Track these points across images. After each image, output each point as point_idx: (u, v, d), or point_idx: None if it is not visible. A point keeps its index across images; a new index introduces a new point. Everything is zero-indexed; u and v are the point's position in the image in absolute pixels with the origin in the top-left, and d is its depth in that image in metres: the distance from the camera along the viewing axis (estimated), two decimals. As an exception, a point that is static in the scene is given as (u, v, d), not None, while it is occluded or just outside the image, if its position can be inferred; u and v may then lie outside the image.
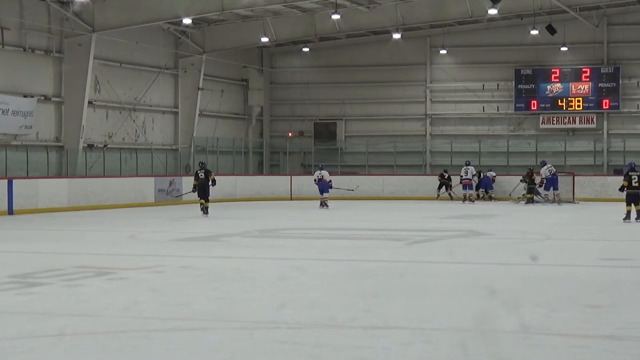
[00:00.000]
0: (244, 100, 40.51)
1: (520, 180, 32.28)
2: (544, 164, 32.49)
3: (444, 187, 34.17)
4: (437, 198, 33.98)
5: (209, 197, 25.07)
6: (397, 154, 38.84)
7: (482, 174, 34.41)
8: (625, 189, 22.30)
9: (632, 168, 22.60)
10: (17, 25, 28.59)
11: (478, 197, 34.04)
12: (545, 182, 31.86)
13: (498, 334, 7.75)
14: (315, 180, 29.83)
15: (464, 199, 32.77)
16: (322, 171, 29.83)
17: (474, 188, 33.47)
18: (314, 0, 31.95)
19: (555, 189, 32.07)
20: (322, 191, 29.43)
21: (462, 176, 32.93)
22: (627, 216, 22.13)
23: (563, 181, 33.02)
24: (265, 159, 41.33)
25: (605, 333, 7.79)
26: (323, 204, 29.15)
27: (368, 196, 34.80)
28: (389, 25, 35.56)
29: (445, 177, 34.25)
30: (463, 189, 32.99)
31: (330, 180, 29.68)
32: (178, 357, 7.02)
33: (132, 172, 32.74)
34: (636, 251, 15.72)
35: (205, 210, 24.72)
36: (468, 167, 33.07)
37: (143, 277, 11.82)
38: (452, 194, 33.83)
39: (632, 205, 22.16)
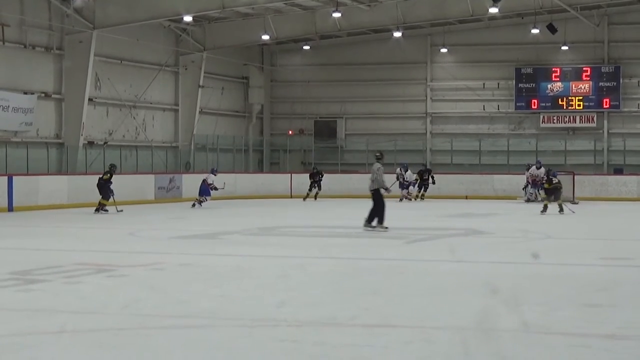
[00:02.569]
0: (245, 98, 40.63)
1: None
2: (540, 164, 32.54)
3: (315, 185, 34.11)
4: (305, 198, 33.44)
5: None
6: (397, 152, 38.79)
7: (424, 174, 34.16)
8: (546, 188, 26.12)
9: (555, 175, 26.23)
10: (17, 22, 28.71)
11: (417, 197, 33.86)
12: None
13: (498, 333, 7.76)
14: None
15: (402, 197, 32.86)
16: (209, 175, 29.44)
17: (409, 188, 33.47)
18: (314, -2, 32.14)
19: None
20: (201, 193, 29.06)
21: (404, 180, 33.15)
22: (545, 209, 25.18)
23: (563, 180, 32.98)
24: (266, 157, 41.46)
25: (605, 332, 7.80)
26: (195, 203, 28.68)
27: (369, 194, 34.56)
28: (390, 23, 35.68)
29: (320, 176, 34.12)
30: (401, 187, 33.11)
31: (212, 183, 28.89)
32: (178, 354, 7.02)
33: (132, 169, 32.87)
34: (636, 251, 15.70)
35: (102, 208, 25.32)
36: (406, 172, 33.28)
37: (143, 275, 11.85)
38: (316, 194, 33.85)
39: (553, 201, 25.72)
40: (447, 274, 11.93)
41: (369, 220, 18.79)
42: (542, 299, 9.60)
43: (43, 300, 9.64)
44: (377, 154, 20.44)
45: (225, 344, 7.41)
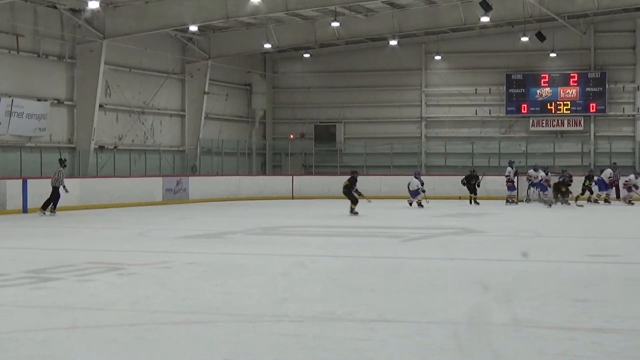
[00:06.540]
0: (248, 103, 41.03)
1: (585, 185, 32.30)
2: (603, 169, 32.90)
3: None
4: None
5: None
6: (393, 155, 39.36)
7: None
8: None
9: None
10: (31, 33, 29.06)
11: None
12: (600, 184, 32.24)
13: (490, 327, 7.89)
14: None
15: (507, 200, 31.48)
16: (413, 179, 29.51)
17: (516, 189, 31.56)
18: (314, 8, 32.15)
19: (602, 189, 32.36)
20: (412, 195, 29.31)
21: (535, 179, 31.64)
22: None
23: (552, 181, 33.60)
24: (268, 160, 41.86)
25: (592, 326, 7.94)
26: (418, 204, 29.13)
27: (365, 195, 34.75)
28: (386, 32, 36.22)
29: (475, 179, 31.81)
30: (508, 190, 31.51)
31: (418, 187, 29.20)
32: (184, 348, 7.08)
33: (141, 172, 33.22)
34: (622, 248, 15.76)
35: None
36: (510, 167, 31.67)
37: (151, 273, 11.96)
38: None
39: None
40: (442, 271, 12.04)
41: (43, 208, 24.45)
42: (532, 295, 9.71)
43: (56, 298, 9.75)
44: (59, 160, 25.66)
45: (230, 338, 7.49)
